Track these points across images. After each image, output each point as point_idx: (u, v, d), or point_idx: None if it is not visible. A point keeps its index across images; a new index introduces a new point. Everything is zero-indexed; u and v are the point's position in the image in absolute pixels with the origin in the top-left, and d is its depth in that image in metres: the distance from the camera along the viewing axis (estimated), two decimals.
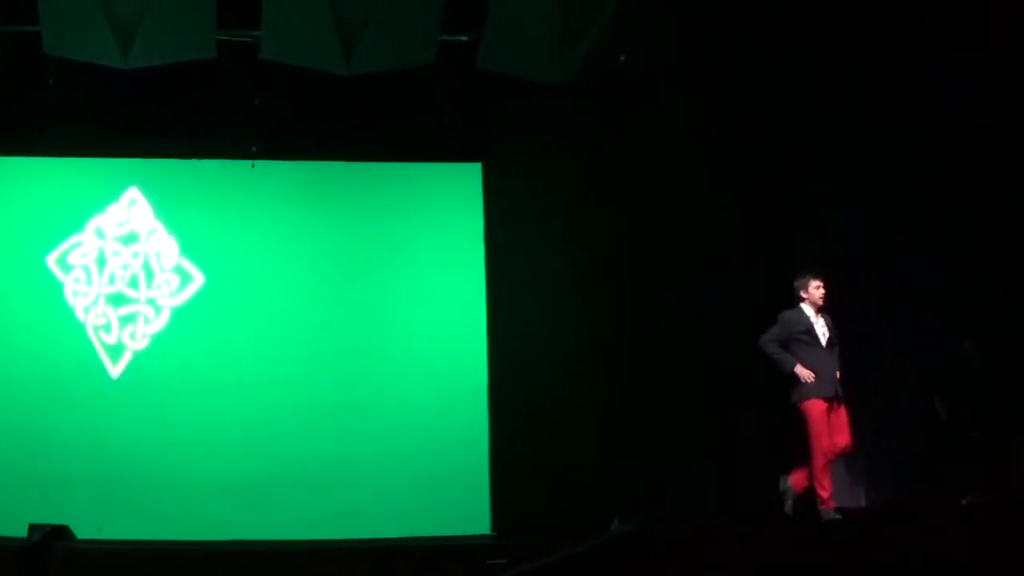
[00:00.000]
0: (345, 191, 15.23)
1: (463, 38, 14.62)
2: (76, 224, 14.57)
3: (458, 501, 13.99)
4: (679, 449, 13.70)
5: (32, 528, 9.97)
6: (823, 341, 11.66)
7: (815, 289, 11.67)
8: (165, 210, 14.77)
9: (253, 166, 14.85)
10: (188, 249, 14.73)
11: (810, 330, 11.51)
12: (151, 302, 14.55)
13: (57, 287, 14.36)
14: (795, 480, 11.52)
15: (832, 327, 11.79)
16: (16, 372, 14.09)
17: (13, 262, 14.41)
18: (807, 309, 11.64)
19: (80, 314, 14.36)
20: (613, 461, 13.89)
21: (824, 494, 11.29)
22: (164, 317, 14.54)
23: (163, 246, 14.70)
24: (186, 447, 14.07)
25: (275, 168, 15.03)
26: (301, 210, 15.07)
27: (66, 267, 14.41)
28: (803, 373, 11.28)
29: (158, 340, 14.51)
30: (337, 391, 14.54)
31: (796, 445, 11.65)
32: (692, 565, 8.24)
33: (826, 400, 11.42)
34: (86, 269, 14.45)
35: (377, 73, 14.59)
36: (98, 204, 14.65)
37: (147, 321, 14.50)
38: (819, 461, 11.25)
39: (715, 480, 13.22)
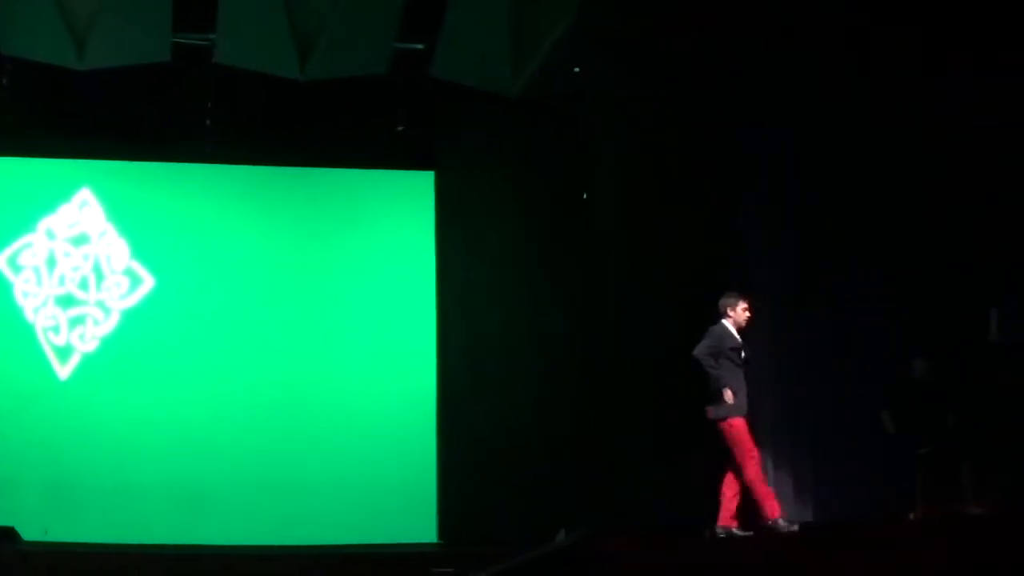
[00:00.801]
0: (298, 197, 15.22)
1: (419, 47, 14.65)
2: (27, 225, 14.51)
3: (405, 509, 14.00)
4: (626, 459, 13.73)
5: None
6: (743, 360, 11.69)
7: (742, 311, 11.66)
8: (116, 212, 14.73)
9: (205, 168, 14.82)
10: (139, 251, 14.69)
11: (737, 348, 11.54)
12: (100, 304, 14.51)
13: (7, 288, 14.31)
14: (723, 517, 11.46)
15: (746, 348, 11.82)
16: None
17: None
18: (731, 327, 11.66)
19: (29, 315, 14.30)
20: (561, 471, 13.92)
21: (771, 502, 11.24)
22: (114, 319, 14.50)
23: (114, 248, 14.65)
24: (134, 450, 14.04)
25: (228, 172, 15.01)
26: (253, 215, 15.07)
27: (16, 268, 14.35)
28: (728, 394, 11.28)
29: (107, 342, 14.46)
30: (286, 397, 14.52)
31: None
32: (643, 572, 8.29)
33: (744, 418, 11.46)
34: (36, 270, 14.39)
35: (331, 80, 14.61)
36: (49, 205, 14.60)
37: (96, 323, 14.45)
38: (753, 473, 11.22)
39: (663, 490, 13.25)
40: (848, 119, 13.39)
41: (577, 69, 14.29)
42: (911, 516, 11.34)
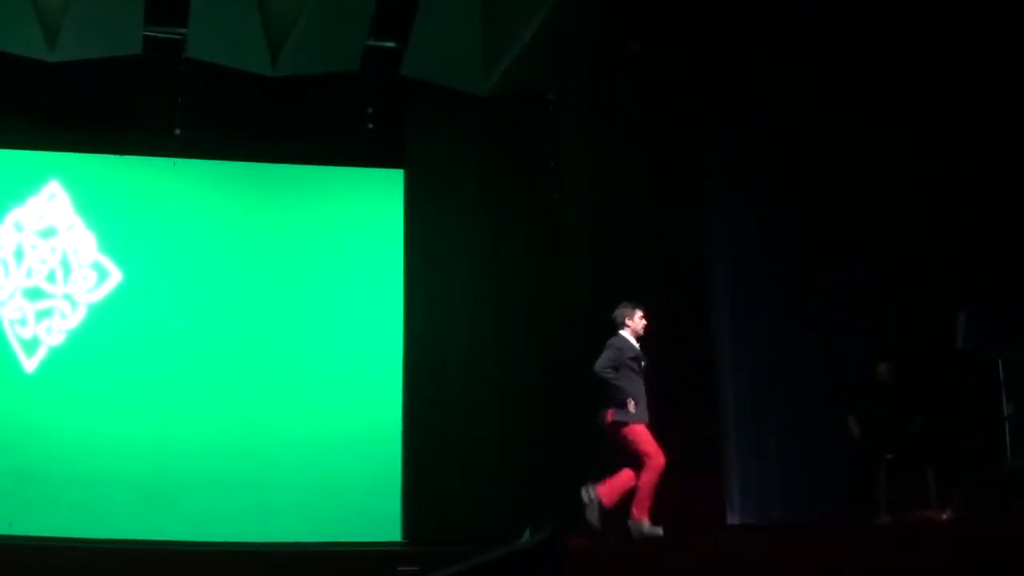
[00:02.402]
0: (266, 192, 15.20)
1: (390, 44, 14.67)
2: None
3: (370, 508, 13.99)
4: (589, 460, 13.74)
5: None
6: (643, 369, 11.77)
7: (640, 319, 11.75)
8: (85, 205, 14.69)
9: (175, 164, 14.79)
10: (106, 245, 14.65)
11: (638, 358, 11.60)
12: (68, 297, 14.46)
13: None
14: (605, 492, 11.50)
15: (645, 356, 11.90)
16: None
17: None
18: (630, 337, 11.73)
19: None
20: (526, 471, 13.93)
21: (647, 509, 11.33)
22: (81, 313, 14.45)
23: (81, 241, 14.60)
24: (99, 443, 13.99)
25: (196, 167, 14.99)
26: (221, 210, 15.05)
27: None
28: (632, 404, 11.33)
29: (74, 336, 14.42)
30: (252, 394, 14.50)
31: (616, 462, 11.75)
32: (608, 570, 8.32)
33: (646, 424, 11.54)
34: (3, 262, 14.33)
35: (302, 76, 14.61)
36: (18, 196, 14.55)
37: (63, 316, 14.41)
38: (652, 478, 11.30)
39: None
40: (820, 118, 13.46)
41: (547, 72, 14.34)
42: (876, 520, 11.39)
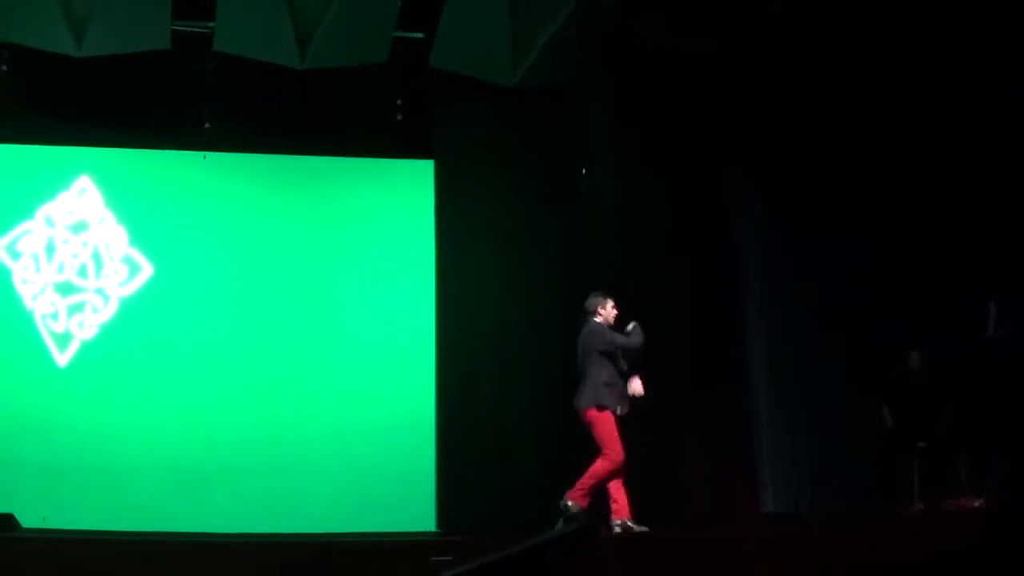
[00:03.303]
0: (296, 185, 15.24)
1: (418, 36, 14.67)
2: (26, 212, 14.53)
3: (404, 498, 14.01)
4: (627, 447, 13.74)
5: None
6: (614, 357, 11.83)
7: (611, 308, 11.82)
8: (115, 199, 14.75)
9: (204, 157, 14.83)
10: (137, 239, 14.71)
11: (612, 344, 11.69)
12: (99, 291, 14.52)
13: (5, 274, 14.33)
14: (573, 495, 11.56)
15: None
16: None
17: None
18: (602, 325, 11.77)
19: (28, 302, 14.32)
20: (560, 460, 13.90)
21: (583, 492, 11.36)
22: (112, 307, 14.51)
23: (113, 235, 14.66)
24: (132, 436, 14.06)
25: (226, 160, 15.03)
26: (251, 202, 15.10)
27: (15, 255, 14.36)
28: (603, 390, 11.40)
29: (106, 329, 14.48)
30: (285, 385, 14.56)
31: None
32: (634, 565, 8.31)
33: (617, 415, 11.57)
34: (35, 257, 14.40)
35: (331, 68, 14.63)
36: (49, 192, 14.62)
37: (95, 310, 14.47)
38: (608, 467, 11.32)
39: (656, 482, 13.25)
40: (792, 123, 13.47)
41: (574, 62, 14.32)
42: (909, 509, 11.37)
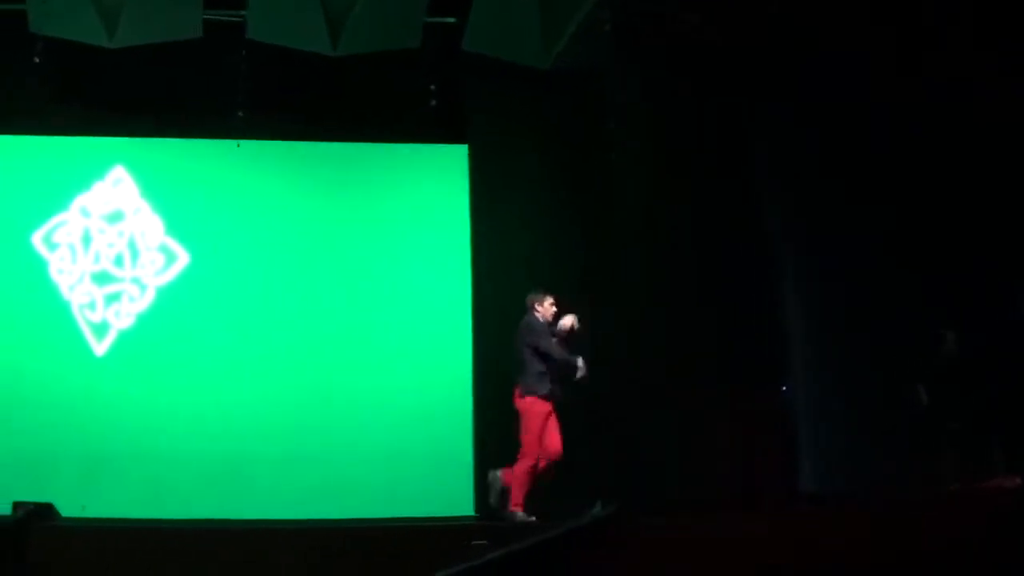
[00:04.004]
0: (331, 171, 15.27)
1: (450, 20, 14.65)
2: (61, 203, 14.59)
3: (442, 483, 14.02)
4: (659, 433, 13.72)
5: (16, 506, 10.02)
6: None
7: (549, 305, 12.25)
8: (150, 189, 14.79)
9: (238, 146, 14.85)
10: (173, 228, 14.75)
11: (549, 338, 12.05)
12: (136, 281, 14.57)
13: (42, 265, 14.39)
14: (506, 474, 11.86)
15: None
16: (1, 349, 14.11)
17: None
18: (542, 321, 12.01)
19: (65, 292, 14.38)
20: (597, 444, 13.89)
21: (521, 496, 11.73)
22: (149, 296, 14.56)
23: (148, 225, 14.70)
24: (171, 425, 14.12)
25: (260, 148, 15.05)
26: (286, 190, 15.13)
27: (51, 245, 14.43)
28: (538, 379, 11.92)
29: (143, 319, 14.53)
30: (321, 370, 14.60)
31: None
32: (671, 549, 8.29)
33: (550, 404, 11.89)
34: (71, 247, 14.46)
35: (363, 54, 14.62)
36: (83, 183, 14.68)
37: (132, 300, 14.52)
38: (529, 460, 11.61)
39: (691, 466, 13.25)
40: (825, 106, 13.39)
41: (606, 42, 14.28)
42: (944, 489, 11.32)
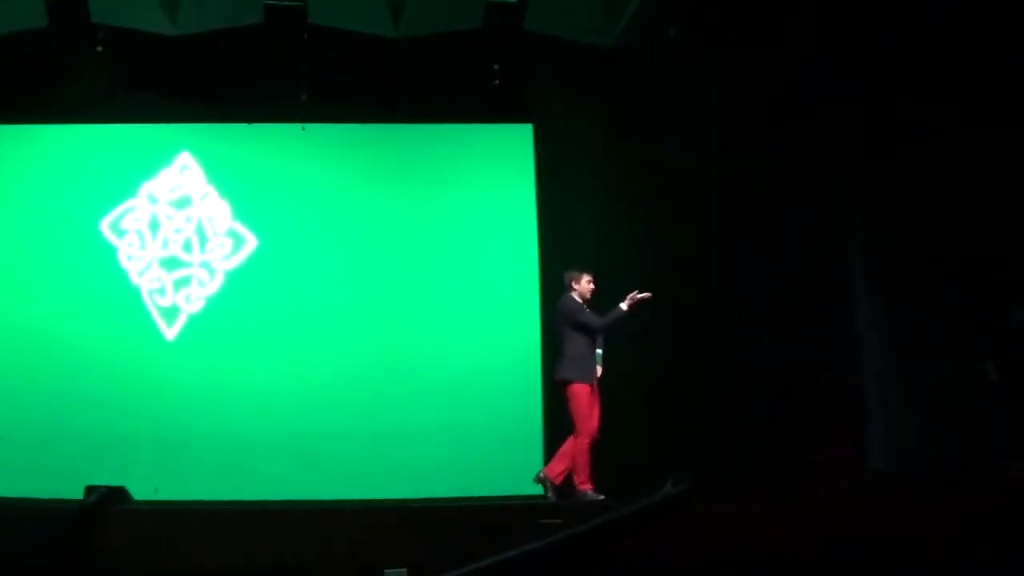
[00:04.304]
0: (395, 153, 15.29)
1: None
2: (128, 190, 14.71)
3: (512, 461, 14.01)
4: (729, 411, 13.67)
5: (89, 490, 10.09)
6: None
7: (587, 283, 12.29)
8: (217, 174, 14.89)
9: (303, 129, 14.91)
10: (241, 212, 14.85)
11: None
12: (205, 265, 14.67)
13: (111, 252, 14.51)
14: (551, 469, 11.89)
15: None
16: (72, 336, 14.25)
17: (67, 228, 14.55)
18: (579, 300, 12.09)
19: (134, 278, 14.49)
20: (667, 422, 13.87)
21: (586, 474, 11.80)
22: (218, 280, 14.66)
23: (216, 210, 14.80)
24: (241, 408, 14.23)
25: (325, 131, 15.09)
26: (351, 173, 15.19)
27: (119, 232, 14.54)
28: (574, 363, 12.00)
29: (212, 302, 14.63)
30: (391, 352, 14.65)
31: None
32: (743, 526, 8.26)
33: (591, 386, 11.91)
34: (139, 234, 14.57)
35: (425, 35, 14.62)
36: (150, 169, 14.79)
37: (201, 284, 14.61)
38: (585, 442, 11.64)
39: (762, 443, 13.19)
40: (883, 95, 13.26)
41: (671, 31, 14.20)
42: (1015, 465, 11.21)
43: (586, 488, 11.73)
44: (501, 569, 6.01)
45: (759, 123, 13.86)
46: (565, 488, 12.01)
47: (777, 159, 13.84)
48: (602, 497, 11.50)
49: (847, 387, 13.45)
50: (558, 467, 11.98)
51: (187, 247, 14.67)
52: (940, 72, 12.83)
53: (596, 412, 12.03)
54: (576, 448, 11.81)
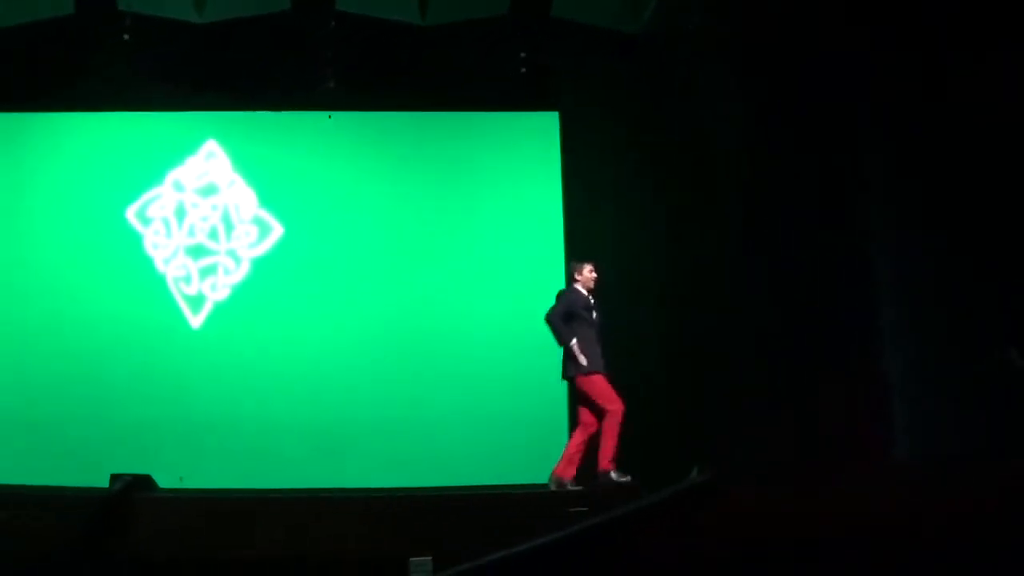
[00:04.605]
0: (421, 141, 15.27)
1: None
2: (155, 177, 14.74)
3: (538, 450, 13.97)
4: (756, 399, 13.62)
5: (114, 478, 10.10)
6: (596, 320, 12.02)
7: (589, 273, 12.17)
8: (243, 162, 14.90)
9: (329, 117, 14.91)
10: (267, 200, 14.85)
11: (589, 308, 11.98)
12: (231, 253, 14.67)
13: (137, 240, 14.52)
14: (561, 470, 11.77)
15: (599, 309, 12.11)
16: (97, 324, 14.29)
17: (93, 216, 14.59)
18: (581, 290, 11.93)
19: (160, 266, 14.52)
20: (693, 410, 13.84)
21: (611, 456, 11.63)
22: (244, 268, 14.67)
23: (242, 197, 14.81)
24: (267, 396, 14.24)
25: (351, 119, 15.10)
26: (377, 160, 15.17)
27: (145, 220, 14.56)
28: (581, 356, 11.67)
29: (238, 290, 14.64)
30: (418, 341, 14.64)
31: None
32: (770, 515, 8.23)
33: (602, 373, 11.80)
34: (165, 221, 14.59)
35: (452, 23, 14.59)
36: (176, 157, 14.82)
37: (227, 272, 14.62)
38: (613, 426, 11.60)
39: (789, 431, 13.15)
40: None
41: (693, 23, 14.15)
42: None
43: (610, 468, 11.66)
44: (526, 558, 5.99)
45: (786, 112, 13.79)
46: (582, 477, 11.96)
47: (807, 147, 13.77)
48: (628, 478, 11.45)
49: (873, 377, 13.40)
50: (571, 469, 11.91)
51: (213, 235, 14.68)
52: (982, 66, 12.76)
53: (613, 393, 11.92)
54: (607, 430, 11.73)
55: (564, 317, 11.83)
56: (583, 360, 11.64)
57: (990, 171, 12.75)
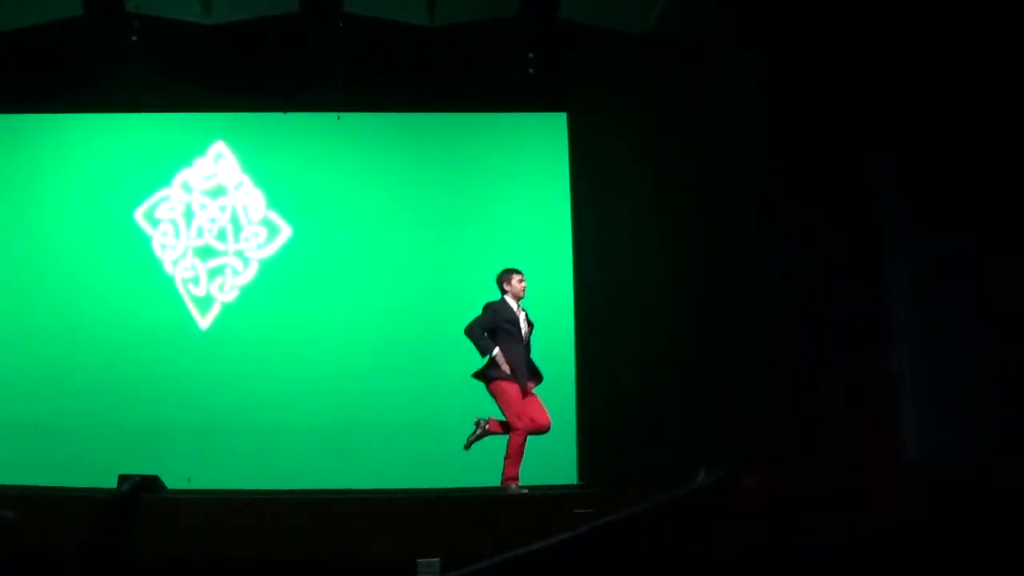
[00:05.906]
0: (429, 142, 15.28)
1: None
2: (163, 179, 14.77)
3: (545, 450, 13.96)
4: (762, 400, 13.61)
5: (122, 478, 10.09)
6: (523, 332, 11.96)
7: (518, 283, 12.03)
8: (251, 163, 14.93)
9: (338, 118, 14.90)
10: (275, 201, 14.87)
11: (514, 321, 11.88)
12: (239, 254, 14.69)
13: (145, 241, 14.55)
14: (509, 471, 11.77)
15: (527, 318, 12.05)
16: (106, 325, 14.32)
17: (101, 217, 14.63)
18: (511, 301, 11.94)
19: (168, 267, 14.55)
20: (701, 410, 13.83)
21: (514, 471, 11.63)
22: (252, 269, 14.68)
23: (250, 199, 14.82)
24: (275, 397, 14.27)
25: (360, 120, 15.10)
26: (386, 162, 15.17)
27: (154, 221, 14.59)
28: (502, 359, 11.67)
29: (246, 292, 14.65)
30: (423, 339, 14.61)
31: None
32: (777, 515, 8.23)
33: (520, 384, 11.74)
34: (173, 223, 14.61)
35: (460, 24, 14.58)
36: (184, 158, 14.85)
37: (235, 273, 14.64)
38: (519, 438, 11.57)
39: (794, 431, 13.14)
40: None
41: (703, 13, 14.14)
42: None
43: (511, 484, 11.67)
44: (535, 559, 5.99)
45: (797, 113, 13.79)
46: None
47: (822, 145, 13.76)
48: (525, 490, 11.43)
49: (883, 375, 13.39)
50: (513, 469, 11.89)
51: (221, 236, 14.70)
52: (1001, 63, 12.75)
53: (534, 408, 11.85)
54: (510, 441, 11.76)
55: (487, 331, 11.78)
56: (505, 368, 11.62)
57: (1002, 171, 12.76)
